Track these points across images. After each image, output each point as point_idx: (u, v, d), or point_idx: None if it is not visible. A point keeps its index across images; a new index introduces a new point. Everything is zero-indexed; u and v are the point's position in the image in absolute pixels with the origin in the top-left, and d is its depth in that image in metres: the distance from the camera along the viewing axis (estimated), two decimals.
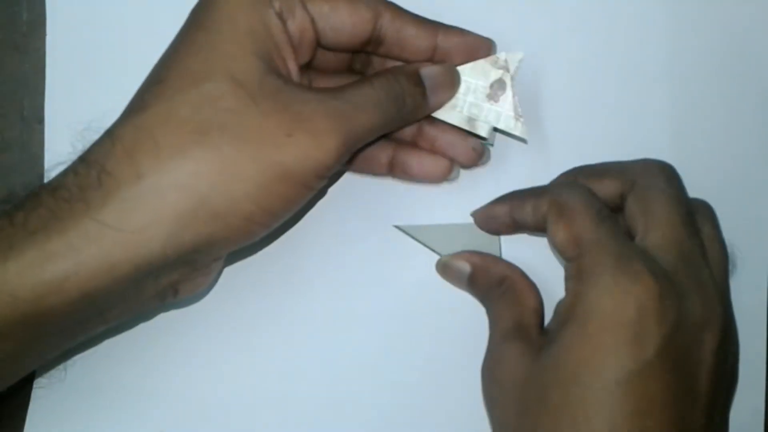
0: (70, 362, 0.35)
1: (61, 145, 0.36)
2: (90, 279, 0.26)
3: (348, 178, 0.36)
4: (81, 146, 0.29)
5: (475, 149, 0.35)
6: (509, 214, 0.34)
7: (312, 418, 0.36)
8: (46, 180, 0.29)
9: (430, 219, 0.36)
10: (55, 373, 0.35)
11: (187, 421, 0.35)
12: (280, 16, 0.30)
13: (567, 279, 0.31)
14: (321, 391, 0.36)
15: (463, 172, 0.36)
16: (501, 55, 0.34)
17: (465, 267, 0.35)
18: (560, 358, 0.29)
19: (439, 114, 0.34)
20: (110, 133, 0.28)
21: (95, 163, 0.27)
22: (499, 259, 0.35)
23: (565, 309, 0.30)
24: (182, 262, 0.28)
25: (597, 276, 0.29)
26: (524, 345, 0.31)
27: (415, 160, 0.35)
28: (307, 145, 0.28)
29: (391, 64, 0.33)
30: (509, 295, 0.34)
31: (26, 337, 0.27)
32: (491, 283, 0.34)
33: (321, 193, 0.35)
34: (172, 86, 0.28)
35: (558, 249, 0.31)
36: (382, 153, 0.35)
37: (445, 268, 0.36)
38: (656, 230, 0.30)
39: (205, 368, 0.35)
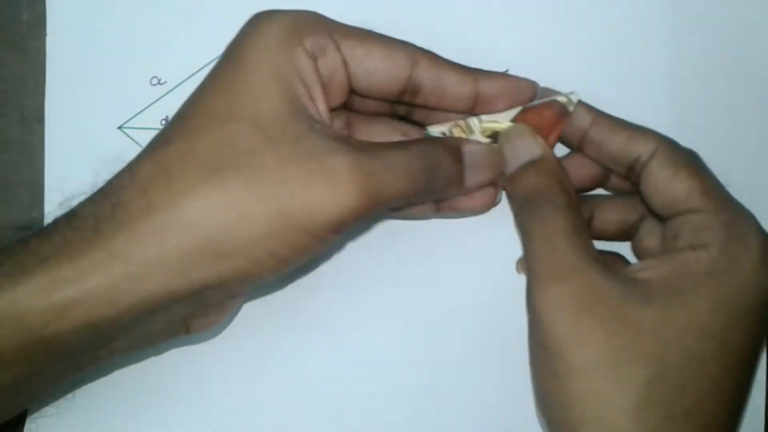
0: (78, 391, 0.35)
1: (61, 145, 0.36)
2: (95, 307, 0.26)
3: None
4: (104, 176, 0.29)
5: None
6: (586, 128, 0.32)
7: (319, 421, 0.36)
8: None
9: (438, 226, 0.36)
10: (64, 403, 0.35)
11: None
12: (311, 55, 0.29)
13: (681, 230, 0.29)
14: (326, 393, 0.36)
15: None
16: (564, 97, 0.32)
17: (535, 150, 0.32)
18: (700, 314, 0.27)
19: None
20: (130, 167, 0.28)
21: (111, 194, 0.28)
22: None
23: (693, 265, 0.28)
24: (192, 299, 0.28)
25: (743, 235, 0.28)
26: (614, 276, 0.28)
27: (464, 198, 0.33)
28: (322, 196, 0.27)
29: (436, 113, 0.32)
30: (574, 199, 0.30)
31: (31, 363, 0.27)
32: (557, 179, 0.31)
33: (340, 245, 0.35)
34: (194, 125, 0.28)
35: (676, 196, 0.30)
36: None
37: (508, 140, 0.32)
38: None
39: (217, 393, 0.36)
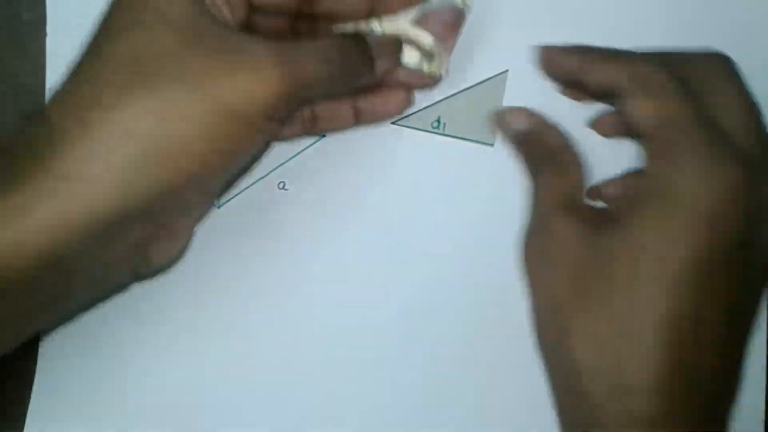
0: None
1: None
2: (48, 234, 0.26)
3: (344, 176, 0.36)
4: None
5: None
6: (576, 70, 0.33)
7: (319, 421, 0.36)
8: None
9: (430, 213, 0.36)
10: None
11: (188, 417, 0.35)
12: None
13: (645, 157, 0.30)
14: (326, 392, 0.36)
15: (461, 171, 0.36)
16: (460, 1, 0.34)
17: (521, 124, 0.35)
18: (635, 235, 0.29)
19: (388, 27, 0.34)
20: (54, 92, 0.28)
21: (41, 119, 0.28)
22: (552, 125, 0.35)
23: (641, 187, 0.30)
24: (144, 216, 0.28)
25: (683, 156, 0.29)
26: (579, 220, 0.31)
27: (379, 101, 0.35)
28: (251, 82, 0.28)
29: (337, 26, 0.33)
30: (561, 165, 0.33)
31: None
32: (543, 148, 0.34)
33: (269, 144, 0.36)
34: (108, 35, 0.28)
35: (637, 123, 0.30)
36: (342, 105, 0.35)
37: (500, 120, 0.35)
38: (731, 116, 0.30)
39: (215, 391, 0.36)
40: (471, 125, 0.36)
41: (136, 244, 0.29)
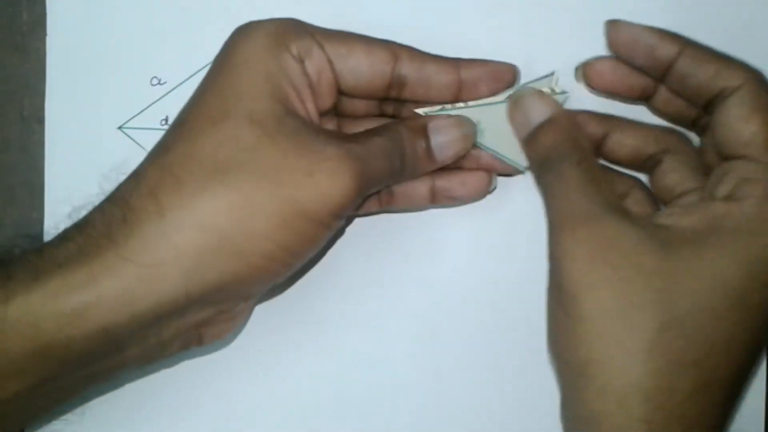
0: (88, 405, 0.35)
1: (61, 145, 0.36)
2: (109, 311, 0.27)
3: None
4: (108, 187, 0.29)
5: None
6: (671, 58, 0.31)
7: (321, 422, 0.36)
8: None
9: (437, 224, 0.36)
10: (72, 417, 0.35)
11: None
12: (297, 58, 0.30)
13: (729, 174, 0.29)
14: (328, 394, 0.36)
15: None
16: (550, 79, 0.33)
17: (545, 110, 0.32)
18: (719, 266, 0.27)
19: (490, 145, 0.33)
20: (136, 173, 0.29)
21: (120, 200, 0.28)
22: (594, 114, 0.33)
23: (733, 214, 0.28)
24: (206, 303, 0.28)
25: None
26: (642, 227, 0.28)
27: (457, 182, 0.34)
28: (326, 185, 0.28)
29: (423, 107, 0.33)
30: (595, 164, 0.31)
31: (44, 371, 0.27)
32: (569, 142, 0.31)
33: (339, 233, 0.35)
34: (193, 127, 0.29)
35: (739, 138, 0.29)
36: (421, 185, 0.34)
37: (517, 105, 0.33)
38: None
39: (219, 394, 0.36)
40: (511, 142, 0.33)
41: (194, 324, 0.30)
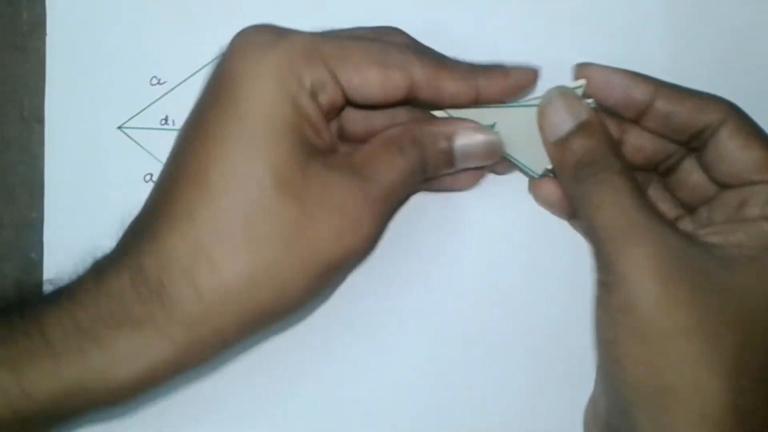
0: None
1: (61, 145, 0.36)
2: (133, 376, 0.28)
3: None
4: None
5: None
6: (649, 100, 0.31)
7: (322, 423, 0.36)
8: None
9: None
10: None
11: None
12: (312, 95, 0.29)
13: (766, 201, 0.29)
14: (328, 395, 0.36)
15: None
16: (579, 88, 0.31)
17: (582, 112, 0.31)
18: (747, 292, 0.27)
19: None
20: (155, 239, 0.28)
21: (152, 280, 0.28)
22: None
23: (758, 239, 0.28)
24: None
25: None
26: (699, 244, 0.28)
27: (448, 176, 0.34)
28: (351, 240, 0.29)
29: None
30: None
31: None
32: (610, 148, 0.30)
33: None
34: (216, 188, 0.28)
35: (747, 165, 0.29)
36: None
37: (549, 105, 0.31)
38: None
39: (220, 394, 0.36)
40: (527, 146, 0.32)
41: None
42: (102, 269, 0.29)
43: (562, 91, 0.31)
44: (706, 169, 0.31)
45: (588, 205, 0.29)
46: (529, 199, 0.35)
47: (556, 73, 0.33)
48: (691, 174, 0.32)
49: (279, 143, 0.28)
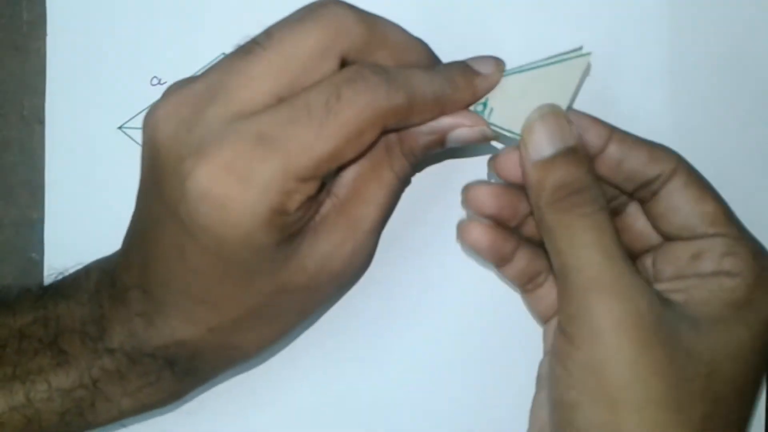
0: None
1: (61, 145, 0.36)
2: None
3: None
4: None
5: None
6: (602, 145, 0.29)
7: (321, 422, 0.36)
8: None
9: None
10: None
11: None
12: (282, 210, 0.26)
13: (721, 256, 0.28)
14: (328, 394, 0.36)
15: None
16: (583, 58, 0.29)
17: (571, 138, 0.28)
18: (718, 350, 0.27)
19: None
20: (118, 285, 0.30)
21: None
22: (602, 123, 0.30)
23: (730, 297, 0.28)
24: None
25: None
26: (667, 302, 0.27)
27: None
28: (354, 274, 0.31)
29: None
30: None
31: None
32: (595, 181, 0.28)
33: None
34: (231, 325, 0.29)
35: (702, 218, 0.29)
36: None
37: (541, 122, 0.29)
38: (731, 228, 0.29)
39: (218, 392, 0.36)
40: (516, 114, 0.30)
41: None
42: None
43: (554, 111, 0.29)
44: (653, 219, 0.30)
45: (564, 238, 0.27)
46: None
47: None
48: (636, 221, 0.31)
49: (259, 264, 0.27)
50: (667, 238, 0.30)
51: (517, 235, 0.32)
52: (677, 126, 0.36)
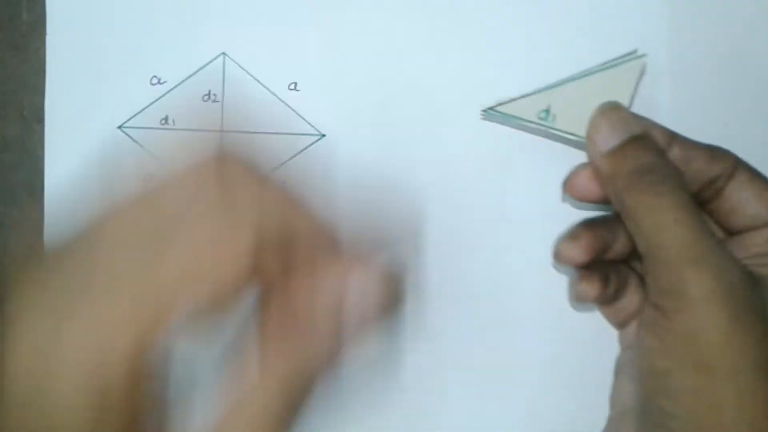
0: None
1: (61, 145, 0.36)
2: None
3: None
4: None
5: None
6: (663, 143, 0.30)
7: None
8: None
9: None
10: None
11: None
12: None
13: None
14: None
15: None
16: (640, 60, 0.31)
17: (637, 127, 0.30)
18: None
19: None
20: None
21: None
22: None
23: None
24: None
25: None
26: (752, 275, 0.27)
27: None
28: None
29: None
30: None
31: None
32: (668, 161, 0.29)
33: None
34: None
35: (762, 213, 0.29)
36: None
37: (604, 115, 0.30)
38: None
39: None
40: (580, 118, 0.31)
41: None
42: None
43: (615, 105, 0.31)
44: (721, 215, 0.31)
45: (647, 218, 0.28)
46: (531, 199, 0.35)
47: (556, 73, 0.34)
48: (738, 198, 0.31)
49: None
50: (735, 232, 0.31)
51: (606, 269, 0.32)
52: (677, 126, 0.36)
